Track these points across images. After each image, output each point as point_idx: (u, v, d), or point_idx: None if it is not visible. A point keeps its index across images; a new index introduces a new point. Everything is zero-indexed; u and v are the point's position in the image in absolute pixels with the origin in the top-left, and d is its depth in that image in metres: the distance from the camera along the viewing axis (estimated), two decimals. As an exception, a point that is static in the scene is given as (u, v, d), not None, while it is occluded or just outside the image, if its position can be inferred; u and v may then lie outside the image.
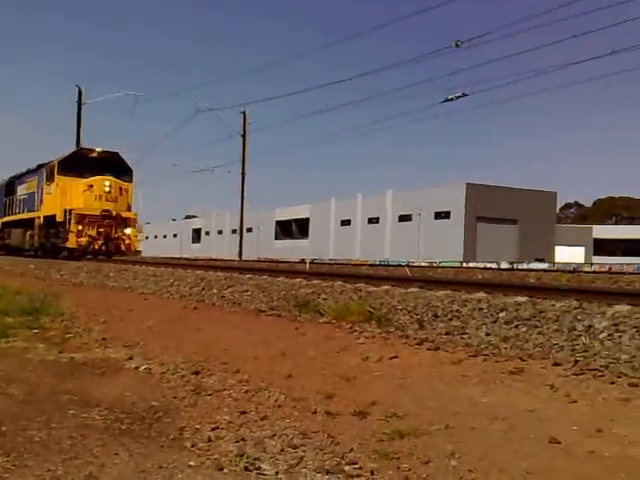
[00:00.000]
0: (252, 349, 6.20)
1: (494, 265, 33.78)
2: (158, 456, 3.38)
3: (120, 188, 26.97)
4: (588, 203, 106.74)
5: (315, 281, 10.36)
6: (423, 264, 30.80)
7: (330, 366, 5.25)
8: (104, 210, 25.98)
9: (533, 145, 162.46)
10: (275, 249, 71.78)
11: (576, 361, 4.37)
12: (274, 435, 3.81)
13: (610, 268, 30.23)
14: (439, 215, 56.34)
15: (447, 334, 5.71)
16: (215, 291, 10.17)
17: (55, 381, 5.08)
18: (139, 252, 40.76)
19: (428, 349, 5.25)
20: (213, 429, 3.91)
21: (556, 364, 4.36)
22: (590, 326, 4.99)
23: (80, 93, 40.11)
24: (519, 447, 3.36)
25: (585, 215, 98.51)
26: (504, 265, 34.47)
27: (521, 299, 6.53)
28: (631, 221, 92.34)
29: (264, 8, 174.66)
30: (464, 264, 37.38)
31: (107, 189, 26.35)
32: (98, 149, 27.17)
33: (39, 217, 28.61)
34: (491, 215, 55.17)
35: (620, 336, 4.67)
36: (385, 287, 8.66)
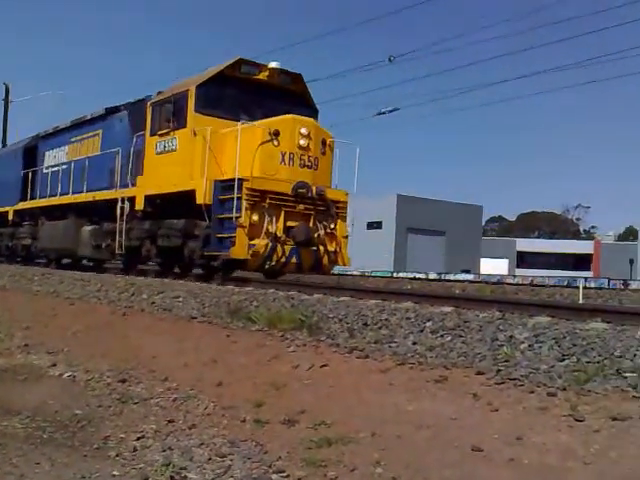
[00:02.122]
0: (182, 356, 6.13)
1: (423, 275, 34.49)
2: (81, 466, 3.31)
3: (323, 141, 12.74)
4: (512, 217, 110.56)
5: (248, 288, 10.33)
6: (355, 273, 31.15)
7: (261, 374, 5.26)
8: (299, 184, 12.05)
9: (460, 160, 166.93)
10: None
11: (498, 370, 4.52)
12: (202, 444, 3.79)
13: (532, 280, 31.38)
14: (371, 225, 57.14)
15: (376, 343, 5.80)
16: (145, 297, 9.97)
17: (-27, 389, 4.88)
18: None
19: (357, 357, 5.33)
20: (139, 438, 3.86)
21: (479, 373, 4.51)
22: (512, 336, 5.18)
23: (7, 91, 38.21)
24: (443, 455, 3.46)
25: (509, 229, 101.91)
26: (432, 275, 35.26)
27: (447, 309, 6.70)
28: (552, 235, 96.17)
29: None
30: (394, 274, 38.01)
31: (303, 142, 12.29)
32: (273, 64, 13.44)
33: (128, 199, 14.57)
34: (421, 226, 56.32)
35: (540, 347, 4.86)
36: (317, 295, 8.73)
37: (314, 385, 4.86)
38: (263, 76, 13.42)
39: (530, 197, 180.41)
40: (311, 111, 13.72)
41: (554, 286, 24.72)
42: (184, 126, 12.93)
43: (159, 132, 13.63)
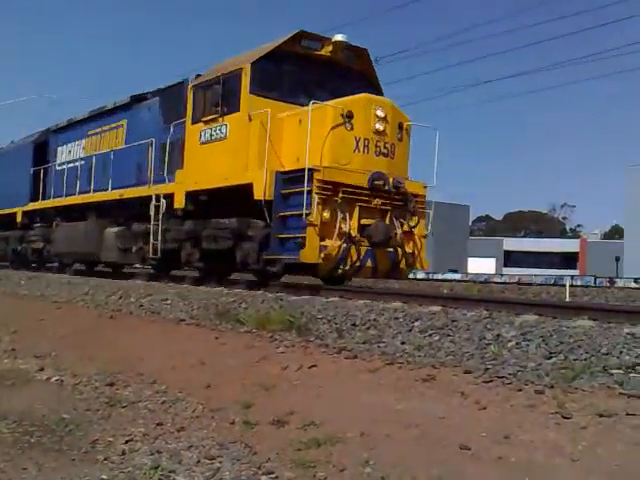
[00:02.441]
0: (170, 359, 6.12)
1: (410, 275, 34.55)
2: (69, 470, 3.30)
3: (399, 125, 10.96)
4: (499, 216, 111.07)
5: (237, 290, 10.33)
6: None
7: (250, 375, 5.25)
8: (376, 175, 10.43)
9: (447, 159, 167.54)
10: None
11: (486, 369, 4.55)
12: (191, 446, 3.79)
13: (519, 279, 31.55)
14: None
15: (365, 343, 5.82)
16: (133, 300, 9.94)
17: (-41, 394, 4.85)
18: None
19: (346, 358, 5.34)
20: (127, 441, 3.85)
21: (467, 372, 4.53)
22: (499, 335, 5.21)
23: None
24: (431, 453, 3.47)
25: (496, 228, 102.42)
26: (420, 275, 35.35)
27: (435, 308, 6.74)
28: (539, 234, 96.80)
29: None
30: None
31: (380, 126, 10.58)
32: (338, 36, 11.67)
33: (164, 196, 12.75)
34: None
35: (527, 345, 4.89)
36: (306, 296, 8.74)
37: (303, 386, 4.87)
38: (325, 51, 11.64)
39: (517, 196, 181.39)
40: (377, 94, 11.53)
41: (541, 285, 24.90)
42: (237, 110, 11.13)
43: (204, 119, 11.78)
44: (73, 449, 3.70)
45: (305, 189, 9.63)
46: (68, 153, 17.98)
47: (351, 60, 11.95)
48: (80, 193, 16.59)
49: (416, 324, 6.03)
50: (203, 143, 11.89)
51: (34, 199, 19.05)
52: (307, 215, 9.62)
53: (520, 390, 4.05)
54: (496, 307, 6.85)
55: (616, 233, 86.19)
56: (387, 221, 10.49)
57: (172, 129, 12.76)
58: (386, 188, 10.40)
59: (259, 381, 4.98)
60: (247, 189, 10.56)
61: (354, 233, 10.04)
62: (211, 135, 11.73)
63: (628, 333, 4.83)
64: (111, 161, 15.22)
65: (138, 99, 15.06)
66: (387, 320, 6.33)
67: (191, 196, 12.14)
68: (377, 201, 10.39)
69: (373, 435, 3.76)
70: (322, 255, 9.68)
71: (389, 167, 10.62)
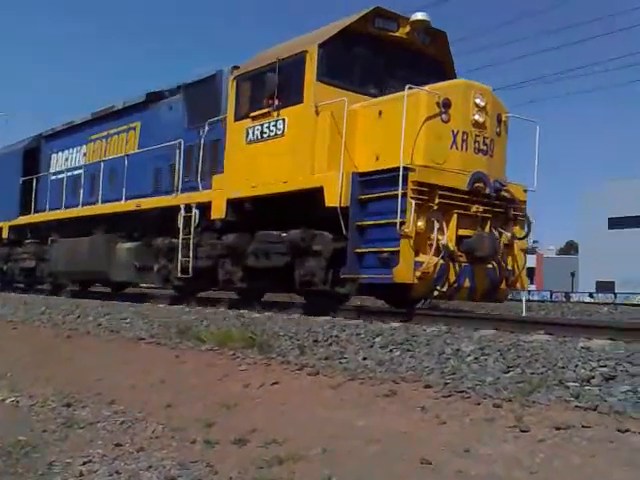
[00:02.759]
0: (129, 378, 6.03)
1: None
2: (25, 494, 3.22)
3: (498, 118, 9.27)
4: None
5: (198, 307, 10.24)
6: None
7: (211, 394, 5.21)
8: (477, 175, 8.71)
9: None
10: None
11: (445, 383, 4.60)
12: (150, 467, 3.74)
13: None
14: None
15: (327, 359, 5.83)
16: (91, 318, 9.77)
17: None
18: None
19: (308, 374, 5.34)
20: (85, 463, 3.78)
21: (427, 386, 4.58)
22: (458, 349, 5.28)
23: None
24: (392, 468, 3.50)
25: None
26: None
27: (395, 324, 6.80)
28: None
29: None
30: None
31: (479, 117, 8.83)
32: (419, 15, 10.01)
33: (197, 206, 11.06)
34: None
35: (485, 359, 4.97)
36: (268, 313, 8.71)
37: (265, 403, 4.85)
38: (402, 33, 9.91)
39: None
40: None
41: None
42: (299, 101, 9.37)
43: (252, 114, 9.92)
44: (29, 471, 3.62)
45: (399, 192, 7.88)
46: (65, 161, 16.02)
47: (428, 44, 10.21)
48: (84, 204, 14.59)
49: (377, 340, 6.07)
50: (250, 142, 10.00)
51: (25, 212, 16.90)
52: (401, 224, 7.87)
53: (479, 404, 4.11)
54: (456, 322, 6.95)
55: (571, 248, 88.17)
56: (486, 231, 8.71)
57: (205, 129, 10.96)
58: (487, 192, 8.70)
59: (221, 399, 4.94)
60: (313, 195, 8.79)
61: (452, 246, 8.32)
62: (262, 133, 9.86)
63: (583, 347, 4.96)
64: (124, 168, 13.28)
65: (155, 97, 13.09)
66: (349, 336, 6.36)
67: (234, 204, 10.14)
68: (477, 207, 8.62)
69: (335, 451, 3.77)
70: (417, 274, 7.93)
71: (489, 167, 8.86)
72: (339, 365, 5.53)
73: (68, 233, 15.07)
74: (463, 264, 8.44)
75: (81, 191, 14.74)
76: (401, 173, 7.91)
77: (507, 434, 3.67)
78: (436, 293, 8.44)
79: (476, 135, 8.77)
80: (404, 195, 7.90)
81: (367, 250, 8.31)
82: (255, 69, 10.16)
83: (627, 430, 3.48)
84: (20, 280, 17.74)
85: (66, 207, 15.23)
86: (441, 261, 8.12)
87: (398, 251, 7.86)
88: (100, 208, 13.91)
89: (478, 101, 8.73)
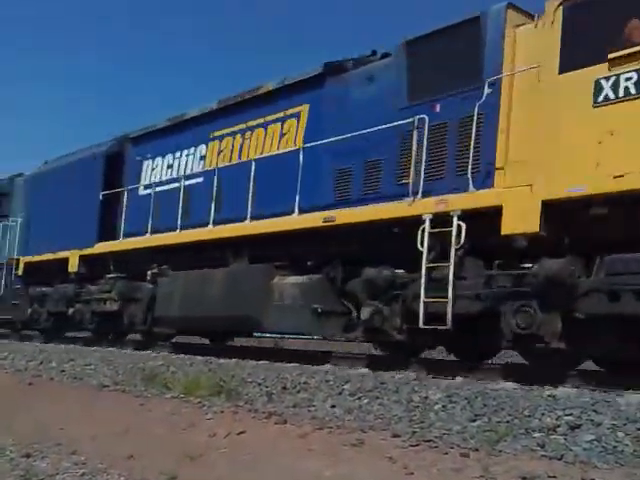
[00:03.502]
0: (92, 428, 5.88)
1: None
2: None
3: None
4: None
5: (164, 353, 10.09)
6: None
7: (176, 444, 5.10)
8: None
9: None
10: None
11: (413, 432, 4.58)
12: (110, 522, 3.62)
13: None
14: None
15: (295, 407, 5.78)
16: (54, 365, 9.55)
17: None
18: None
19: (276, 423, 5.27)
20: (43, 518, 3.65)
21: (395, 435, 4.55)
22: (426, 397, 5.28)
23: None
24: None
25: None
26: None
27: (364, 370, 6.78)
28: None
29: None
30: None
31: None
32: None
33: (455, 215, 7.03)
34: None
35: (453, 407, 4.98)
36: (235, 359, 8.63)
37: (231, 454, 4.76)
38: None
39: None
40: None
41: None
42: None
43: (614, 54, 6.15)
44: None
45: None
46: (167, 168, 11.83)
47: None
48: (201, 224, 10.46)
49: (346, 387, 6.04)
50: (605, 103, 6.21)
51: (106, 236, 12.56)
52: None
53: (446, 454, 4.09)
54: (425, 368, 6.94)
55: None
56: None
57: (484, 90, 7.08)
58: None
59: (185, 450, 4.84)
60: None
61: None
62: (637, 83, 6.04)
63: (549, 395, 5.00)
64: (293, 168, 9.11)
65: (335, 70, 9.26)
66: (318, 383, 6.31)
67: (554, 210, 6.44)
68: None
69: (301, 504, 3.70)
70: None
71: None
72: (307, 413, 5.49)
73: (180, 264, 10.86)
74: None
75: (209, 205, 10.40)
76: None
77: (474, 485, 3.65)
78: None
79: None
80: None
81: None
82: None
83: (592, 480, 3.49)
84: (91, 328, 13.19)
85: (183, 228, 10.85)
86: None
87: None
88: (252, 227, 9.55)
89: None
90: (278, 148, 9.64)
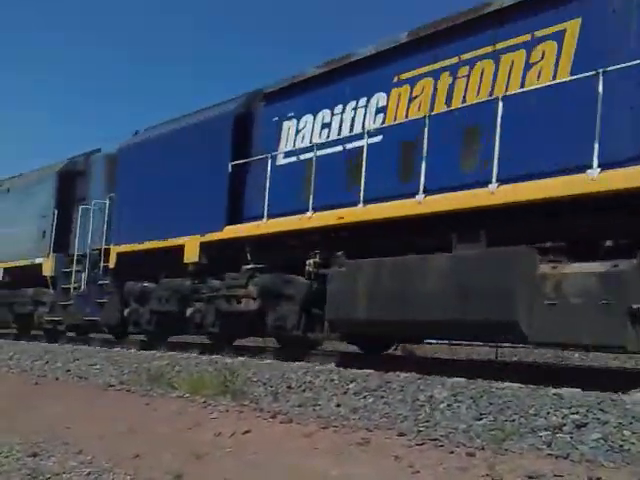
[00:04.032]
0: (98, 427, 5.89)
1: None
2: None
3: None
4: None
5: (170, 352, 10.10)
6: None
7: (181, 443, 5.11)
8: None
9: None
10: None
11: (419, 431, 4.58)
12: (117, 520, 3.63)
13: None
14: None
15: (300, 406, 5.79)
16: (60, 364, 9.58)
17: None
18: None
19: (281, 422, 5.27)
20: (49, 517, 3.66)
21: (400, 434, 4.54)
22: (432, 396, 5.28)
23: None
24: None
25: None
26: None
27: (369, 370, 6.77)
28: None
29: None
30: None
31: None
32: None
33: None
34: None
35: (458, 406, 4.98)
36: (241, 358, 8.63)
37: (236, 453, 4.76)
38: None
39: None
40: None
41: (470, 344, 25.06)
42: None
43: None
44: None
45: None
46: (323, 128, 9.09)
47: None
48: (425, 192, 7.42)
49: (351, 386, 6.04)
50: None
51: (237, 218, 10.01)
52: None
53: (452, 452, 4.08)
54: (430, 368, 6.92)
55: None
56: None
57: None
58: None
59: (191, 449, 4.85)
60: None
61: None
62: None
63: (554, 394, 4.98)
64: (577, 104, 6.32)
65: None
66: (322, 382, 6.32)
67: None
68: None
69: (307, 502, 3.70)
70: None
71: None
72: (312, 412, 5.49)
73: (359, 251, 8.10)
74: None
75: (390, 172, 8.02)
76: None
77: (480, 483, 3.64)
78: None
79: None
80: None
81: None
82: None
83: (598, 478, 3.48)
84: (214, 332, 10.46)
85: (364, 202, 8.07)
86: None
87: None
88: (501, 194, 6.68)
89: None
90: (522, 85, 6.84)
